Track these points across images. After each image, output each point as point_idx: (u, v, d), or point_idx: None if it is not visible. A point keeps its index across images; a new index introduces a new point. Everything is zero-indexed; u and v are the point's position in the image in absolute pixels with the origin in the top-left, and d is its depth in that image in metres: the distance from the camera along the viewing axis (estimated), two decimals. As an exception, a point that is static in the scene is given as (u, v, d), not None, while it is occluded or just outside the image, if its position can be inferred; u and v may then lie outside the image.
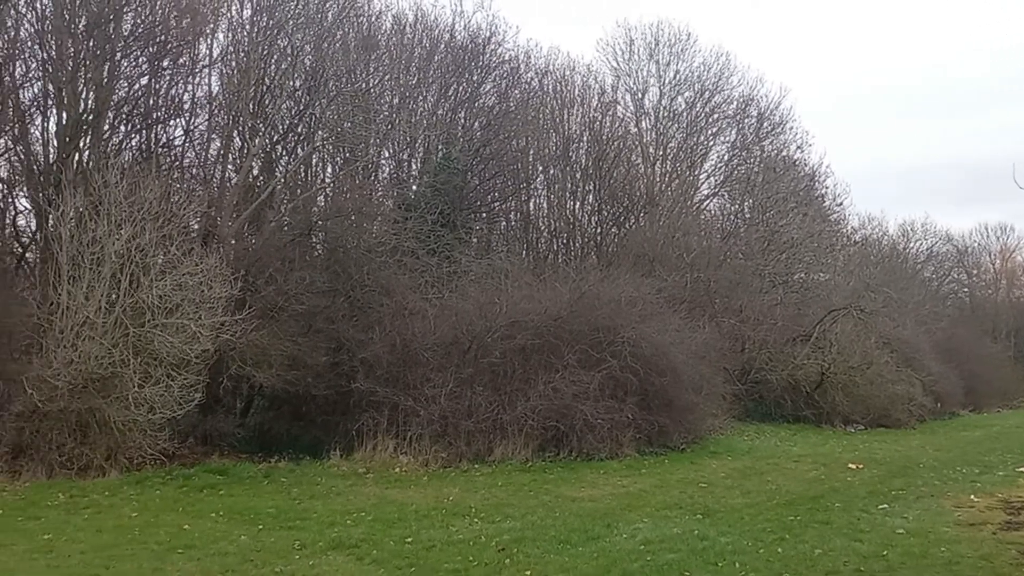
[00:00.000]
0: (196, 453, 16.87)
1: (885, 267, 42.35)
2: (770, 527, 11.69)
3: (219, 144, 20.89)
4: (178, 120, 20.38)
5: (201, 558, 10.12)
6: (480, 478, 15.91)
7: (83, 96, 17.77)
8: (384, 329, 18.55)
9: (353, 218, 20.90)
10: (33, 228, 17.98)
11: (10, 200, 18.34)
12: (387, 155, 25.09)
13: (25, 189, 17.92)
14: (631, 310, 20.21)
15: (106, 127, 18.48)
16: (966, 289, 59.26)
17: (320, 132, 21.99)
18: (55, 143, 17.77)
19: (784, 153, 36.19)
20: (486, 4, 30.33)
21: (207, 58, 20.62)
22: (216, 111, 20.77)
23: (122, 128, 19.26)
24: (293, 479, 15.39)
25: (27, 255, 18.08)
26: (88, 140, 17.96)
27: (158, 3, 18.88)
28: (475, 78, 26.46)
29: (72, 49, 17.60)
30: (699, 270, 28.06)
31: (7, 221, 18.20)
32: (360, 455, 16.91)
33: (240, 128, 20.38)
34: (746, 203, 34.96)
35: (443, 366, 18.07)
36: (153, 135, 19.94)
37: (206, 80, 20.92)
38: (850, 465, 17.88)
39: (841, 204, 38.63)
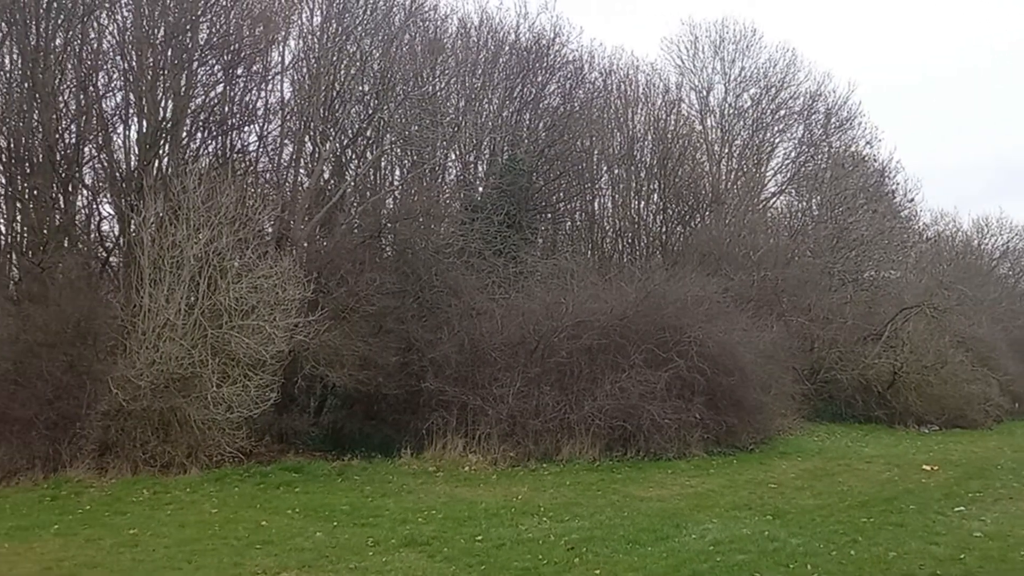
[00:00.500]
0: (272, 451, 17.27)
1: (959, 264, 41.13)
2: (842, 529, 11.58)
3: (291, 149, 21.40)
4: (252, 126, 20.92)
5: (279, 553, 10.39)
6: (548, 477, 16.00)
7: (162, 105, 18.35)
8: (452, 329, 18.77)
9: (421, 220, 21.18)
10: (116, 233, 18.59)
11: (95, 206, 19.01)
12: (454, 157, 25.38)
13: (109, 195, 18.57)
14: (697, 309, 20.09)
15: (184, 134, 19.06)
16: (1045, 286, 57.15)
17: (388, 136, 22.34)
18: (136, 151, 18.38)
19: (853, 149, 35.51)
20: (550, 5, 30.48)
21: (279, 65, 21.19)
22: (288, 117, 21.25)
23: (199, 135, 19.83)
24: (366, 477, 15.67)
25: (111, 259, 18.69)
26: (167, 147, 18.52)
27: (232, 13, 19.42)
28: (539, 79, 26.58)
29: (151, 59, 18.18)
30: (766, 268, 27.71)
31: (92, 226, 18.89)
32: (430, 454, 17.14)
33: (311, 133, 20.84)
34: (814, 200, 34.38)
35: (510, 366, 18.20)
36: (228, 141, 20.49)
37: (278, 87, 21.49)
38: (924, 467, 17.51)
39: (912, 200, 37.74)
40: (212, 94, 19.75)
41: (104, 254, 18.83)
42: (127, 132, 18.71)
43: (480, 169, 26.01)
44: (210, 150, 20.18)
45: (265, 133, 21.10)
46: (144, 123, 18.23)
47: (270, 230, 18.69)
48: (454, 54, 25.01)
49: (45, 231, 17.37)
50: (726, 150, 33.86)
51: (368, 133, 22.06)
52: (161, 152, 18.50)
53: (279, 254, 16.85)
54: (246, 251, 16.16)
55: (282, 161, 21.45)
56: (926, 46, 74.95)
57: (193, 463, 15.29)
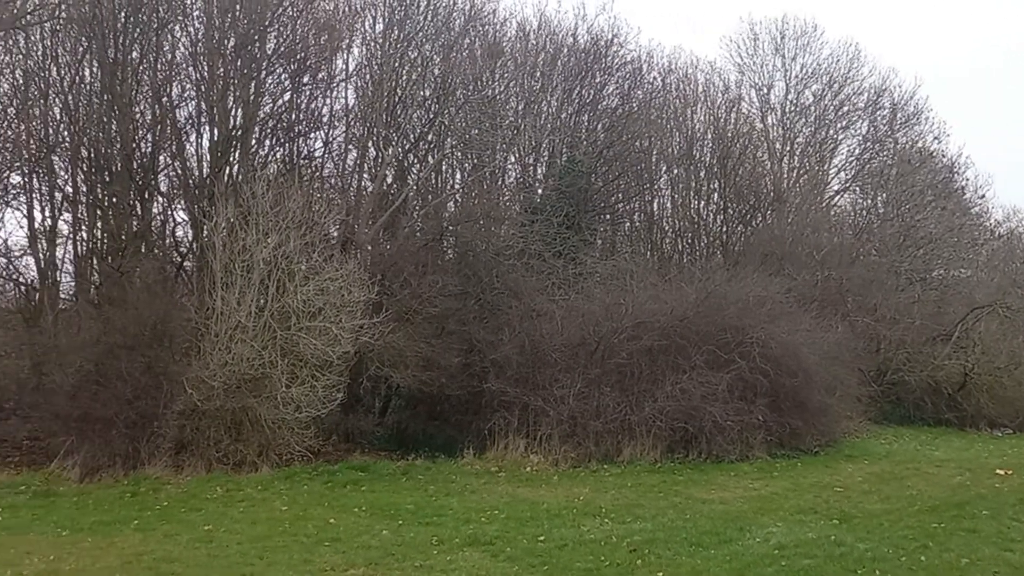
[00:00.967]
0: (339, 450, 17.64)
1: (1034, 262, 40.02)
2: (911, 534, 11.43)
3: (355, 154, 21.77)
4: (318, 133, 21.38)
5: (346, 551, 10.62)
6: (610, 478, 16.06)
7: (232, 113, 18.89)
8: (513, 330, 18.89)
9: (482, 222, 21.38)
10: (190, 238, 19.19)
11: (170, 213, 19.68)
12: (513, 160, 25.51)
13: (182, 202, 19.17)
14: (759, 310, 19.92)
15: (253, 142, 19.60)
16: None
17: (449, 139, 22.61)
18: (208, 158, 18.94)
19: (920, 144, 34.72)
20: (608, 7, 30.44)
21: (343, 72, 21.59)
22: (352, 123, 21.64)
23: (267, 142, 20.38)
24: (429, 476, 15.90)
25: (185, 264, 19.30)
26: (237, 154, 19.04)
27: (298, 22, 19.88)
28: (598, 80, 26.56)
29: (222, 69, 18.68)
30: (830, 268, 27.33)
31: (167, 232, 19.56)
32: (492, 454, 17.33)
33: (375, 138, 21.19)
34: (879, 198, 33.69)
35: (571, 367, 18.27)
36: (295, 148, 20.99)
37: (343, 93, 21.89)
38: (998, 471, 17.10)
39: (983, 196, 36.69)
40: (280, 102, 20.32)
41: (179, 259, 19.45)
42: (199, 140, 19.36)
43: (539, 171, 26.14)
44: (278, 156, 20.74)
45: (330, 139, 21.61)
46: (215, 131, 18.77)
47: (335, 234, 19.08)
48: (513, 57, 25.15)
49: (123, 237, 18.04)
50: (788, 148, 33.42)
51: (429, 137, 22.37)
52: (232, 159, 19.05)
53: (344, 257, 17.22)
54: (313, 255, 16.55)
55: (347, 166, 21.92)
56: (1000, 32, 72.83)
57: (264, 461, 15.73)
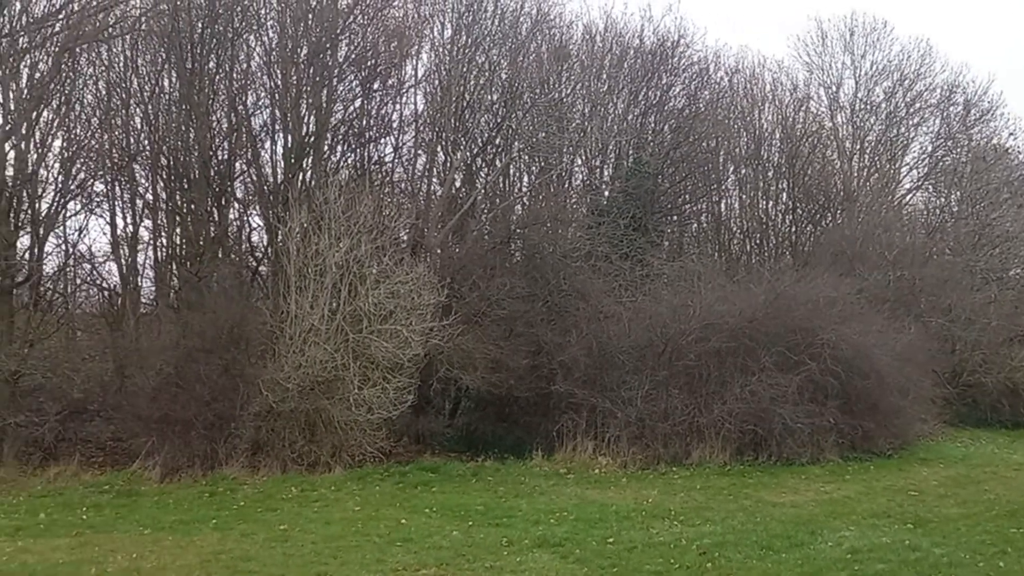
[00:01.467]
0: (410, 451, 17.93)
1: (1118, 260, 38.58)
2: (989, 539, 11.24)
3: (424, 159, 22.09)
4: (387, 138, 21.68)
5: (418, 551, 10.80)
6: (678, 481, 16.04)
7: (305, 120, 19.30)
8: (580, 332, 18.91)
9: (549, 225, 21.47)
10: (265, 243, 19.72)
11: (245, 218, 20.24)
12: (580, 162, 25.52)
13: (257, 208, 19.69)
14: (830, 311, 19.65)
15: (325, 148, 19.98)
16: None
17: (517, 143, 22.71)
18: (282, 164, 19.44)
19: (994, 141, 33.72)
20: (674, 8, 30.23)
21: (412, 78, 21.90)
22: (421, 128, 21.92)
23: (339, 148, 20.76)
24: (499, 478, 16.05)
25: (260, 268, 19.80)
26: (310, 160, 19.47)
27: (368, 30, 20.23)
28: (664, 82, 26.42)
29: (295, 77, 19.16)
30: (902, 268, 26.76)
31: (243, 237, 20.10)
32: (560, 455, 17.41)
33: (443, 143, 21.46)
34: (953, 196, 32.82)
35: (638, 368, 18.27)
36: (366, 153, 21.33)
37: (412, 99, 22.23)
38: (1079, 475, 16.71)
39: (1062, 194, 35.52)
40: (351, 108, 20.66)
41: (254, 263, 19.95)
42: (273, 147, 19.86)
43: (606, 173, 26.11)
44: (349, 162, 21.09)
45: (400, 144, 21.90)
46: (289, 138, 19.23)
47: (405, 238, 19.41)
48: (579, 60, 25.19)
49: (201, 242, 18.58)
50: (858, 146, 32.73)
51: (497, 141, 22.54)
52: (305, 165, 19.47)
53: (414, 261, 17.53)
54: (383, 258, 16.85)
55: (416, 171, 22.20)
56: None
57: (337, 462, 16.05)
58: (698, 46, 28.31)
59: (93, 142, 18.47)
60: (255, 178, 19.61)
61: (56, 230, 17.96)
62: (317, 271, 16.37)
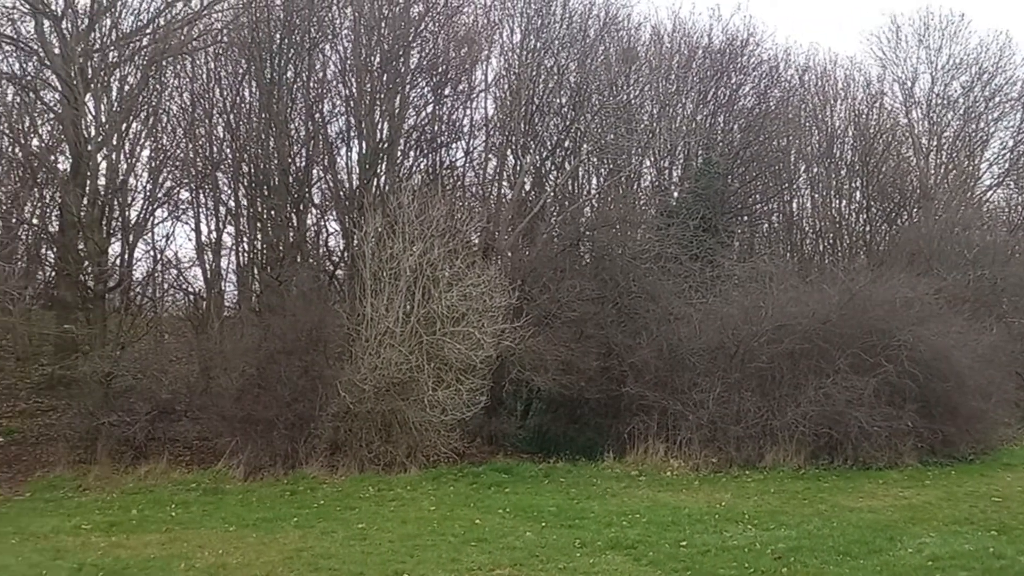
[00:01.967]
0: (483, 452, 18.13)
1: None
2: (1077, 548, 10.94)
3: (495, 163, 22.39)
4: (459, 143, 22.14)
5: (492, 551, 10.90)
6: (751, 484, 15.89)
7: (379, 127, 19.76)
8: (651, 334, 18.87)
9: (618, 227, 21.51)
10: (341, 248, 20.19)
11: (323, 223, 20.77)
12: (648, 164, 25.51)
13: (334, 213, 20.20)
14: (907, 312, 19.22)
15: (398, 153, 20.44)
16: None
17: (585, 145, 22.84)
18: (357, 170, 19.87)
19: (1081, 135, 32.57)
20: (743, 6, 30.00)
21: (482, 83, 22.23)
22: (491, 132, 22.22)
23: (411, 153, 21.24)
24: (571, 479, 16.10)
25: (337, 272, 20.27)
26: (384, 166, 19.90)
27: (439, 37, 20.60)
28: (733, 81, 26.29)
29: (369, 85, 19.59)
30: (983, 267, 26.04)
31: (321, 242, 20.64)
32: (632, 457, 17.42)
33: (513, 147, 21.71)
34: (1036, 192, 31.96)
35: (710, 371, 18.16)
36: (438, 158, 21.80)
37: (482, 104, 22.58)
38: None
39: None
40: (423, 114, 21.16)
41: (331, 267, 20.46)
42: (349, 153, 20.37)
43: (675, 174, 26.03)
44: (421, 167, 21.58)
45: (471, 149, 22.30)
46: (364, 145, 19.68)
47: (477, 241, 19.65)
48: (647, 61, 25.20)
49: (281, 248, 19.16)
50: (934, 143, 31.97)
51: (566, 144, 22.70)
52: (379, 171, 19.88)
53: (486, 263, 17.74)
54: (456, 261, 17.09)
55: (487, 175, 22.52)
56: None
57: (412, 462, 16.34)
58: (767, 44, 28.28)
59: (179, 151, 19.21)
60: (331, 184, 20.11)
61: (144, 237, 18.71)
62: (392, 275, 16.66)
